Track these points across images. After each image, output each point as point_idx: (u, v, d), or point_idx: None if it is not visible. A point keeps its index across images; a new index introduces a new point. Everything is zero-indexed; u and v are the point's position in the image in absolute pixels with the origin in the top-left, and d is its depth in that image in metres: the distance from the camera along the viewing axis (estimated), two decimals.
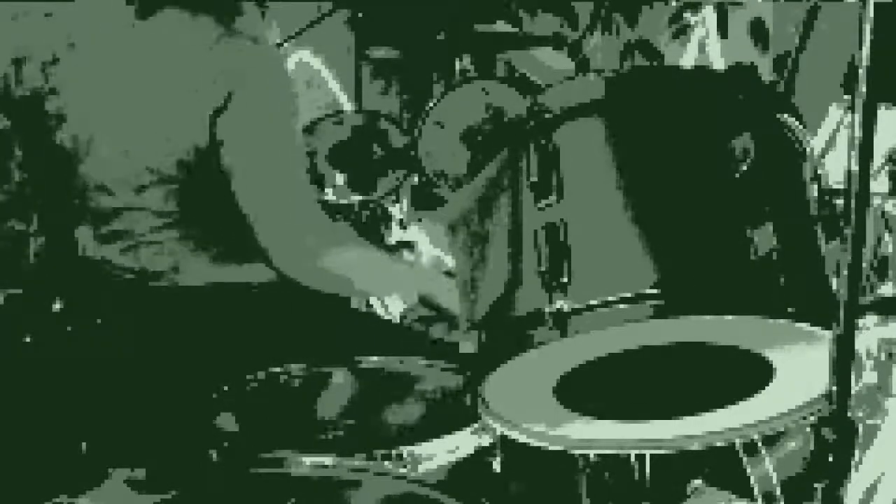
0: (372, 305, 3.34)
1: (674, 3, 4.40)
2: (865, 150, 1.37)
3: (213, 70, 2.30)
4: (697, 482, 2.07)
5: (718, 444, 1.68)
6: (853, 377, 1.44)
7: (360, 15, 4.36)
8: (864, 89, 1.35)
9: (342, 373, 2.24)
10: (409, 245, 3.52)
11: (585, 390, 1.73)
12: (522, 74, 4.22)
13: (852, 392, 1.46)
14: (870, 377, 1.89)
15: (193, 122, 2.31)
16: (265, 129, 2.33)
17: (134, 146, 2.37)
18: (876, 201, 2.51)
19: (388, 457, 1.87)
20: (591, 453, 2.13)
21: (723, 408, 1.68)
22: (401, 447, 1.88)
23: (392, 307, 3.31)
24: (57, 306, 3.01)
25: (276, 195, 2.34)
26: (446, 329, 2.83)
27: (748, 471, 2.06)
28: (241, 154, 2.32)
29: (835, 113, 2.71)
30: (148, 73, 2.36)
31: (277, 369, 2.22)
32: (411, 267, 2.74)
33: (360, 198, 3.50)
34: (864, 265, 2.35)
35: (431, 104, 3.55)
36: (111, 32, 2.43)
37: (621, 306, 1.56)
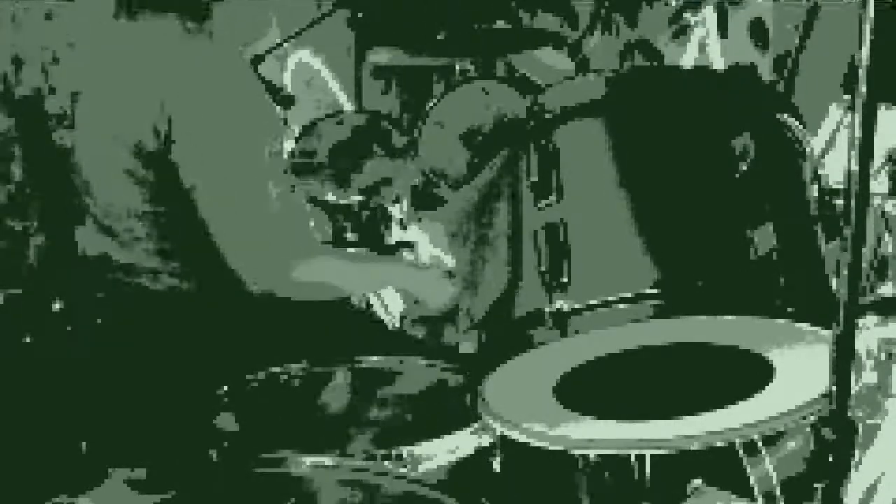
0: (372, 305, 3.34)
1: (674, 3, 4.39)
2: (865, 150, 1.37)
3: (171, 80, 2.29)
4: (697, 482, 2.07)
5: (718, 444, 1.68)
6: (853, 377, 1.44)
7: (360, 15, 4.36)
8: (864, 89, 1.35)
9: (342, 373, 2.24)
10: (409, 245, 3.52)
11: (585, 390, 1.73)
12: (522, 74, 4.22)
13: (852, 392, 1.45)
14: (870, 377, 1.89)
15: (147, 129, 2.29)
16: (219, 143, 2.28)
17: (113, 147, 2.37)
18: (876, 201, 2.51)
19: (388, 457, 1.87)
20: (591, 453, 2.13)
21: (723, 408, 1.68)
22: (401, 447, 1.88)
23: (392, 305, 3.31)
24: (57, 306, 3.01)
25: (235, 214, 2.29)
26: (453, 331, 2.83)
27: (748, 471, 2.06)
28: (196, 173, 2.29)
29: (835, 113, 2.71)
30: (125, 74, 2.36)
31: (277, 369, 2.22)
32: (389, 263, 2.71)
33: (360, 198, 3.50)
34: (864, 265, 2.35)
35: (431, 104, 3.55)
36: (108, 32, 2.44)
37: (621, 306, 1.56)
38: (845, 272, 1.39)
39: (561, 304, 1.58)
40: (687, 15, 4.32)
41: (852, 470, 1.89)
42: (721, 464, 2.08)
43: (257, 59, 3.41)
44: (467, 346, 2.38)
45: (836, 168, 2.50)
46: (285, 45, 3.87)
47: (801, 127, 1.72)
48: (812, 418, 1.59)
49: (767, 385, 1.68)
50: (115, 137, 2.34)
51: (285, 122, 3.63)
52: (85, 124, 2.43)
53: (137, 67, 2.34)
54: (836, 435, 1.43)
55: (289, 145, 3.57)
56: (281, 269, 2.31)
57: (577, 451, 2.10)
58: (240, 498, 1.86)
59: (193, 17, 2.38)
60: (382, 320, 3.18)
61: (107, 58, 2.41)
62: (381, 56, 3.76)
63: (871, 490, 1.89)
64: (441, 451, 1.91)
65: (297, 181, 3.46)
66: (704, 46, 4.28)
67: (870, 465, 1.90)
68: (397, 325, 3.21)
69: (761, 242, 1.58)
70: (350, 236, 3.45)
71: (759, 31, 4.33)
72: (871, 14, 1.34)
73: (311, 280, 2.35)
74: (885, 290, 2.48)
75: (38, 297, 3.10)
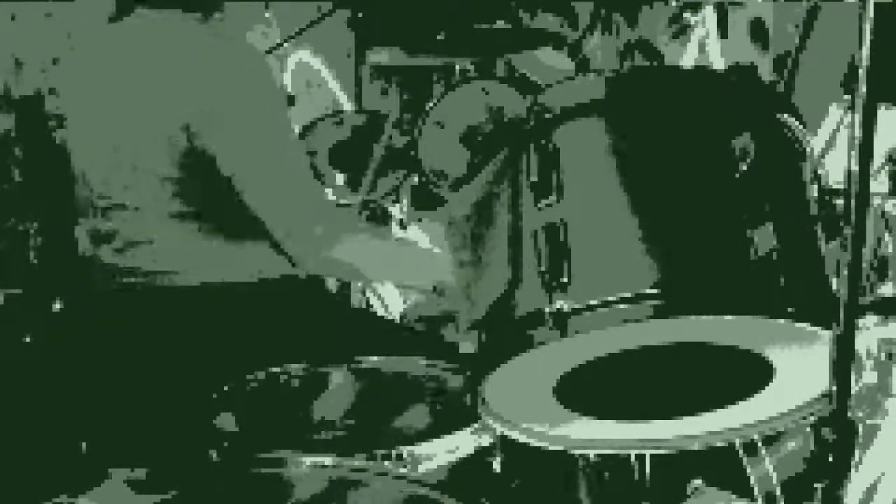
0: (372, 305, 3.34)
1: (674, 3, 4.40)
2: (865, 150, 1.37)
3: (194, 73, 2.30)
4: (697, 482, 2.07)
5: (718, 444, 1.68)
6: (853, 377, 1.44)
7: (360, 15, 4.36)
8: (864, 89, 1.35)
9: (342, 373, 2.24)
10: None
11: (585, 390, 1.72)
12: (522, 74, 4.22)
13: (852, 392, 1.45)
14: (870, 377, 1.89)
15: (174, 124, 2.30)
16: (257, 132, 2.33)
17: (122, 145, 2.38)
18: (876, 201, 2.51)
19: (388, 457, 1.87)
20: (591, 453, 2.13)
21: (723, 408, 1.68)
22: (401, 447, 1.88)
23: (392, 305, 3.31)
24: (57, 306, 3.01)
25: (282, 195, 2.34)
26: (454, 330, 2.83)
27: (748, 471, 2.06)
28: (239, 163, 2.32)
29: (835, 113, 2.71)
30: (135, 73, 2.37)
31: (277, 369, 2.22)
32: (425, 252, 2.72)
33: (360, 198, 3.50)
34: (864, 265, 2.35)
35: (431, 104, 3.55)
36: (108, 32, 2.44)
37: (621, 306, 1.56)
38: (845, 272, 1.39)
39: (561, 304, 1.57)
40: (687, 15, 4.32)
41: (852, 470, 1.89)
42: (721, 464, 2.08)
43: None
44: (467, 346, 2.38)
45: (836, 168, 2.50)
46: (285, 45, 3.87)
47: (801, 127, 1.72)
48: (812, 418, 1.59)
49: (767, 385, 1.68)
50: (134, 136, 2.35)
51: None
52: (93, 124, 2.42)
53: (158, 66, 2.34)
54: (836, 435, 1.43)
55: None
56: (324, 244, 2.33)
57: (577, 451, 2.10)
58: (240, 498, 1.86)
59: (201, 10, 2.39)
60: (383, 318, 3.18)
61: (117, 58, 2.40)
62: (381, 56, 3.76)
63: (871, 490, 1.89)
64: (441, 451, 1.91)
65: None
66: (704, 46, 4.28)
67: (870, 465, 1.90)
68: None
69: (761, 242, 1.58)
70: None
71: (759, 31, 4.33)
72: (871, 14, 1.34)
73: (349, 260, 2.38)
74: (885, 290, 2.48)
75: (38, 297, 3.11)
